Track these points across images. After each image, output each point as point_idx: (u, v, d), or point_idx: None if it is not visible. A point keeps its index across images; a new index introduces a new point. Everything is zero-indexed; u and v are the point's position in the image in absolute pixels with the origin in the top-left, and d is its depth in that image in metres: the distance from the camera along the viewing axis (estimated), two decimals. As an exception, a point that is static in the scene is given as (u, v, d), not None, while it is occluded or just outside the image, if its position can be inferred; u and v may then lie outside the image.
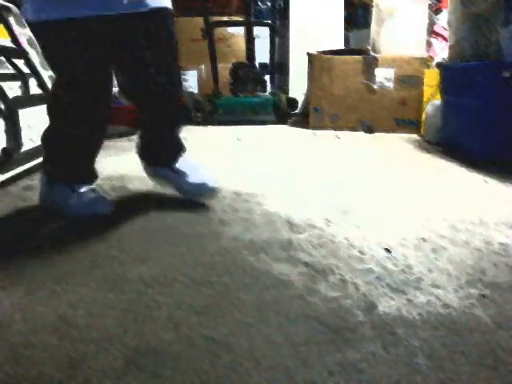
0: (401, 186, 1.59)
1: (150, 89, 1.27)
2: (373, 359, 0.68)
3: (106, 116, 1.33)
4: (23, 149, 1.72)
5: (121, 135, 2.56)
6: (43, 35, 1.21)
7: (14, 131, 1.66)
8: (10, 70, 1.87)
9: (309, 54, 2.91)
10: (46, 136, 1.33)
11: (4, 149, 1.60)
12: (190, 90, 3.32)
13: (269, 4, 3.64)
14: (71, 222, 1.25)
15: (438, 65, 2.47)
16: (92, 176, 1.38)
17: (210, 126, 2.98)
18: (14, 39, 1.95)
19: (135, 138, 2.55)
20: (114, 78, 1.33)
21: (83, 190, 1.31)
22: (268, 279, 0.92)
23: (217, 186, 1.39)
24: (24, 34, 2.10)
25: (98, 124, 1.32)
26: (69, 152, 1.31)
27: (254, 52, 3.19)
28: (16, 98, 1.79)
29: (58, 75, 1.27)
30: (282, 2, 3.41)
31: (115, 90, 3.15)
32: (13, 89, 1.82)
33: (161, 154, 1.43)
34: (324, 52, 2.90)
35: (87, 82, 1.21)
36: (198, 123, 3.02)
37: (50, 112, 1.30)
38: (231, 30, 3.49)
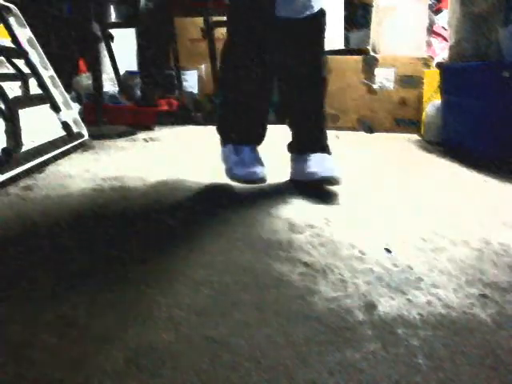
0: (401, 185, 1.59)
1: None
2: (373, 359, 0.68)
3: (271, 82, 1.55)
4: (23, 149, 1.72)
5: (121, 135, 2.57)
6: None
7: (14, 131, 1.66)
8: (10, 70, 1.87)
9: (309, 54, 2.90)
10: (221, 102, 1.57)
11: (4, 149, 1.60)
12: (190, 89, 3.33)
13: (269, 4, 3.63)
14: (71, 222, 1.25)
15: (438, 65, 2.47)
16: (259, 138, 1.56)
17: (210, 126, 2.97)
18: (14, 39, 1.96)
19: (135, 137, 2.57)
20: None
21: (245, 151, 1.49)
22: (268, 279, 0.92)
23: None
24: (24, 33, 2.10)
25: (265, 90, 1.54)
26: (237, 115, 1.52)
27: (254, 52, 3.18)
28: (16, 98, 1.79)
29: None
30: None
31: (115, 90, 3.15)
32: (13, 89, 1.82)
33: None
34: (324, 52, 2.90)
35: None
36: (198, 123, 3.02)
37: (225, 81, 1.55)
38: (231, 29, 3.48)
